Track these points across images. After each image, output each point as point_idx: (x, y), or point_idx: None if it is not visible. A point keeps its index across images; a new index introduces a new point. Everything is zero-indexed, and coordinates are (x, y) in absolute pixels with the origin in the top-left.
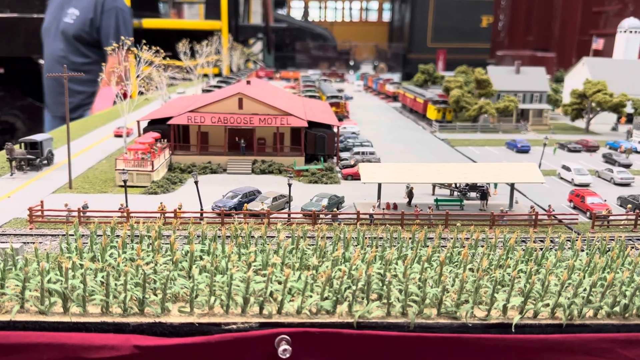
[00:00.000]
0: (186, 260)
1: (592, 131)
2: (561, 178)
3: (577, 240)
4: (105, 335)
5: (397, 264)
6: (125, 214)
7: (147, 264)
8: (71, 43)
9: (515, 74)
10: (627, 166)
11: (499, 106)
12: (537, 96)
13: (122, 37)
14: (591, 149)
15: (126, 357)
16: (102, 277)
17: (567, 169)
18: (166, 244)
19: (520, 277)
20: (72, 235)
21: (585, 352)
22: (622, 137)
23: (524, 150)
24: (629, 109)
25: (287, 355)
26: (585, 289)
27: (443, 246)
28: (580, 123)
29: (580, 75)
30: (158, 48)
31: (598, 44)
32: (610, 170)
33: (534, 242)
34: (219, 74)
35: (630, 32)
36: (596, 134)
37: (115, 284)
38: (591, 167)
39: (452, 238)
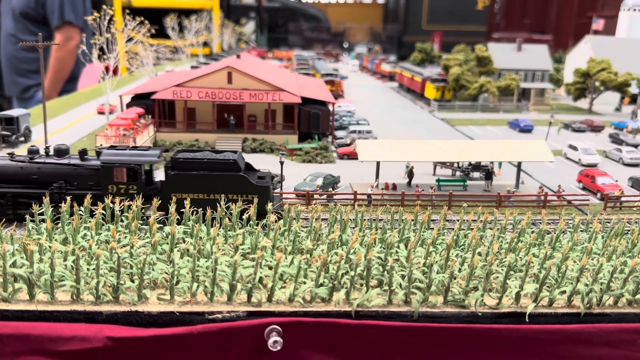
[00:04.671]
0: (167, 243)
1: (595, 111)
2: (567, 158)
3: (592, 222)
4: (75, 325)
5: (399, 247)
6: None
7: (123, 247)
8: (19, 21)
9: (516, 51)
10: (635, 146)
11: (500, 85)
12: (539, 75)
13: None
14: (596, 129)
15: (98, 349)
16: (73, 261)
17: (574, 148)
18: (145, 225)
19: (533, 262)
20: (42, 215)
21: (605, 344)
22: (626, 117)
23: (527, 129)
24: (633, 89)
25: (278, 348)
26: (604, 275)
27: (449, 228)
28: (583, 103)
29: (582, 54)
30: (142, 19)
31: (598, 24)
32: (619, 150)
33: (547, 224)
34: (210, 55)
35: (635, 9)
36: (599, 114)
37: (88, 269)
38: (597, 147)
39: (457, 220)
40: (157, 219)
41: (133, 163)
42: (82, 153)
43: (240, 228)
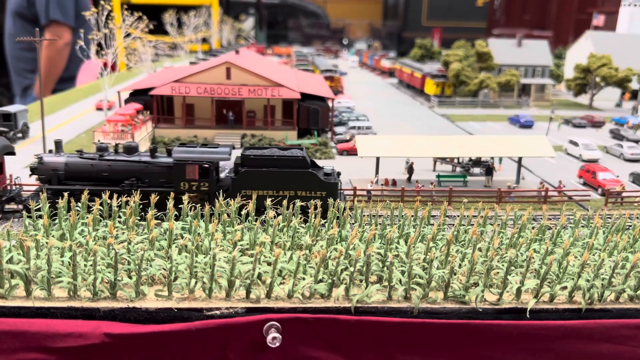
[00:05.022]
0: (165, 239)
1: (595, 107)
2: (568, 154)
3: (592, 218)
4: (73, 321)
5: (399, 243)
6: None
7: (121, 242)
8: (16, 21)
9: (517, 47)
10: (636, 142)
11: (500, 80)
12: (539, 70)
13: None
14: (597, 124)
15: (95, 345)
16: (70, 257)
17: (575, 144)
18: (142, 221)
19: (534, 257)
20: (38, 210)
21: (606, 340)
22: (627, 113)
23: (527, 125)
24: (634, 85)
25: (277, 344)
26: (605, 271)
27: (449, 224)
28: (583, 99)
29: (583, 49)
30: (140, 14)
31: (599, 20)
32: (620, 145)
33: (548, 219)
34: (209, 51)
35: (635, 5)
36: (600, 110)
37: (85, 265)
38: (598, 142)
39: (458, 216)
40: (155, 214)
41: (205, 161)
42: (153, 151)
43: (238, 224)
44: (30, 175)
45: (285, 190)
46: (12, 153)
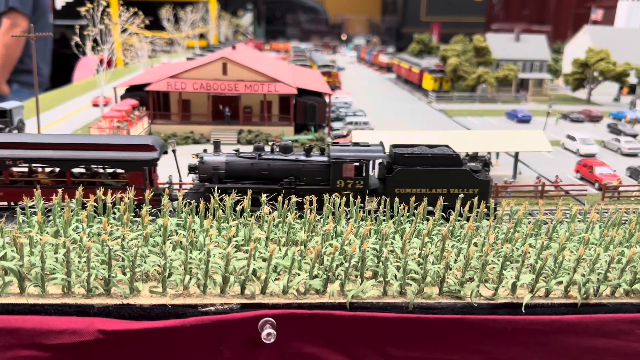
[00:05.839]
0: (159, 235)
1: (593, 102)
2: (565, 148)
3: (589, 212)
4: (66, 318)
5: (394, 238)
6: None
7: (115, 239)
8: None
9: (515, 41)
10: (633, 136)
11: (498, 75)
12: (537, 65)
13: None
14: (594, 119)
15: (89, 342)
16: (64, 254)
17: (572, 138)
18: (137, 218)
19: (530, 252)
20: (32, 207)
21: (602, 334)
22: (625, 107)
23: (524, 120)
24: (632, 79)
25: (272, 340)
26: (601, 265)
27: (445, 219)
28: (581, 94)
29: (581, 44)
30: (136, 10)
31: (597, 14)
32: (617, 140)
33: (544, 214)
34: (206, 47)
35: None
36: (598, 104)
37: (79, 262)
38: (596, 137)
39: (454, 210)
40: (149, 210)
41: (362, 159)
42: (308, 150)
43: (233, 219)
44: (189, 174)
45: (438, 188)
46: (166, 152)
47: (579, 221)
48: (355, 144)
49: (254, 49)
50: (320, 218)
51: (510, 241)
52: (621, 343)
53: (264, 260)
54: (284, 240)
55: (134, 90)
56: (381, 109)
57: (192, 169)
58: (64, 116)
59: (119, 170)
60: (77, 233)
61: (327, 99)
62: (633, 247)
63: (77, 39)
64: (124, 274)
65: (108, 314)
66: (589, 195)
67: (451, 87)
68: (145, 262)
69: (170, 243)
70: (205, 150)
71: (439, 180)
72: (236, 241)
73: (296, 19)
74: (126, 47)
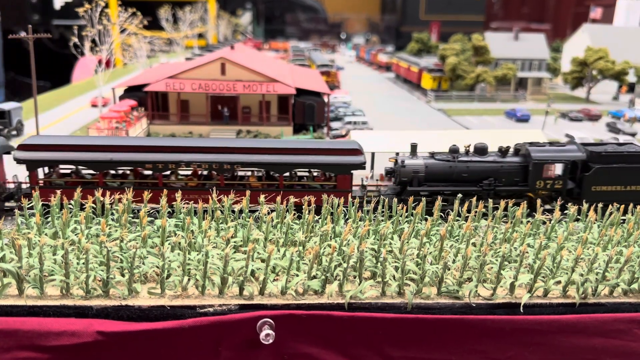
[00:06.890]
0: (158, 237)
1: (592, 100)
2: None
3: (587, 211)
4: (65, 320)
5: (392, 238)
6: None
7: (113, 240)
8: None
9: (514, 40)
10: (632, 135)
11: (497, 74)
12: (536, 64)
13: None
14: (593, 118)
15: (88, 344)
16: (62, 255)
17: (571, 137)
18: (135, 218)
19: (528, 252)
20: (31, 209)
21: (600, 334)
22: (624, 106)
23: (523, 119)
24: (631, 78)
25: (270, 341)
26: (599, 265)
27: (443, 219)
28: (580, 92)
29: (580, 42)
30: (134, 10)
31: (596, 13)
32: (616, 139)
33: (542, 214)
34: (205, 46)
35: None
36: (597, 103)
37: (77, 263)
38: (595, 136)
39: (452, 211)
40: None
41: (564, 159)
42: (505, 151)
43: (232, 220)
44: (386, 177)
45: (633, 186)
46: None
47: (577, 220)
48: (551, 143)
49: (253, 49)
50: (319, 218)
51: (508, 241)
52: (619, 343)
53: (263, 261)
54: (282, 240)
55: (133, 91)
56: (380, 108)
57: (389, 173)
58: (62, 117)
59: (314, 173)
60: (75, 234)
61: (325, 99)
62: (631, 246)
63: (75, 39)
64: (123, 275)
65: (107, 316)
66: None
67: (450, 86)
68: (143, 264)
69: (169, 244)
70: (397, 154)
71: (634, 177)
72: (234, 242)
73: (295, 18)
74: (125, 48)
